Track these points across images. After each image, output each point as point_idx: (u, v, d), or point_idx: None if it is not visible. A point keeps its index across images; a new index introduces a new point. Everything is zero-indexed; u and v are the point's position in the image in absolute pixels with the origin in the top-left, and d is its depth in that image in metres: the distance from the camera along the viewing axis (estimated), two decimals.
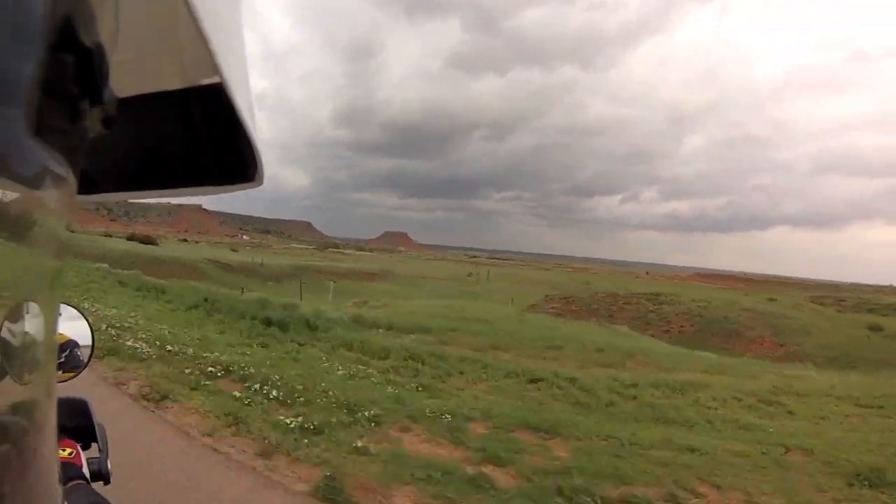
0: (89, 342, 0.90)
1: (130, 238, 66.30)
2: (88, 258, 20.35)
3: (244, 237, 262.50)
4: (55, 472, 0.28)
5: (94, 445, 0.80)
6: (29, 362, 0.23)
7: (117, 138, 0.30)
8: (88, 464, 0.75)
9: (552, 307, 37.04)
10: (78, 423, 0.80)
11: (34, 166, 0.21)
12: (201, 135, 0.38)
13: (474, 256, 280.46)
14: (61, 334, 0.85)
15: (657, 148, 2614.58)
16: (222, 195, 0.39)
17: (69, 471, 0.71)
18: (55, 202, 0.23)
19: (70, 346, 0.88)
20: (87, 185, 0.34)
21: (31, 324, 0.23)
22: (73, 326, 0.90)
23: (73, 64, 0.23)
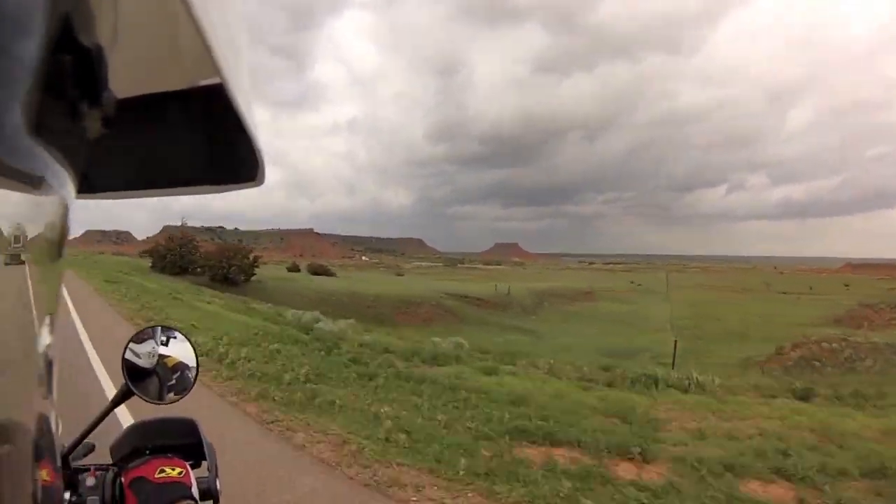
0: (194, 364, 0.93)
1: (314, 272, 67.66)
2: (299, 304, 21.60)
3: (363, 258, 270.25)
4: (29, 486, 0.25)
5: (203, 464, 0.83)
6: (28, 363, 0.23)
7: (118, 139, 0.30)
8: (198, 483, 0.78)
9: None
10: (187, 442, 0.83)
11: (34, 167, 0.21)
12: (202, 135, 0.38)
13: (591, 263, 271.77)
14: (171, 357, 0.91)
15: (758, 129, 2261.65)
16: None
17: (178, 490, 0.74)
18: (55, 202, 0.23)
19: (180, 367, 0.91)
20: (89, 185, 0.34)
21: (31, 324, 0.23)
22: (180, 349, 0.93)
23: (73, 64, 0.23)
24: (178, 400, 0.88)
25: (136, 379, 0.86)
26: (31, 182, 0.21)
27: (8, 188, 0.19)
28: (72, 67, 0.23)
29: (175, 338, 0.91)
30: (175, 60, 0.32)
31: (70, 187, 0.25)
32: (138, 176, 0.40)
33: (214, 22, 0.25)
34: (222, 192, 0.41)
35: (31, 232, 0.22)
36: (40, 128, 0.20)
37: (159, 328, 0.91)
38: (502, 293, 51.69)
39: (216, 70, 0.27)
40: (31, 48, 0.19)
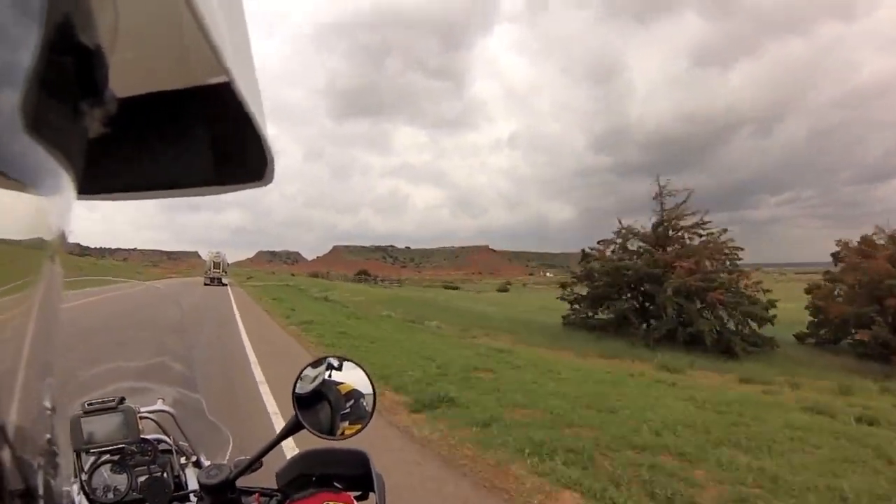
0: (369, 391, 0.90)
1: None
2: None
3: (547, 274, 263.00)
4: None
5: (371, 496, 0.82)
6: (25, 364, 0.22)
7: (122, 138, 0.30)
8: None
9: None
10: (356, 473, 0.83)
11: (34, 167, 0.21)
12: (208, 134, 0.37)
13: (782, 274, 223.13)
14: (344, 384, 0.89)
15: None
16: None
17: None
18: (55, 202, 0.23)
19: (354, 396, 0.88)
20: (91, 185, 0.33)
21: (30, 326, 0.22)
22: (352, 377, 0.90)
23: (73, 64, 0.23)
24: (352, 434, 0.87)
25: (306, 409, 0.85)
26: (32, 182, 0.21)
27: (8, 188, 0.19)
28: (71, 67, 0.23)
29: (346, 365, 0.90)
30: (180, 58, 0.32)
31: (71, 188, 0.24)
32: (142, 176, 0.39)
33: (217, 19, 0.25)
34: (229, 192, 0.40)
35: (32, 233, 0.22)
36: (40, 128, 0.20)
37: (331, 358, 0.91)
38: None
39: (222, 68, 0.27)
40: (31, 48, 0.19)
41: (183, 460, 1.12)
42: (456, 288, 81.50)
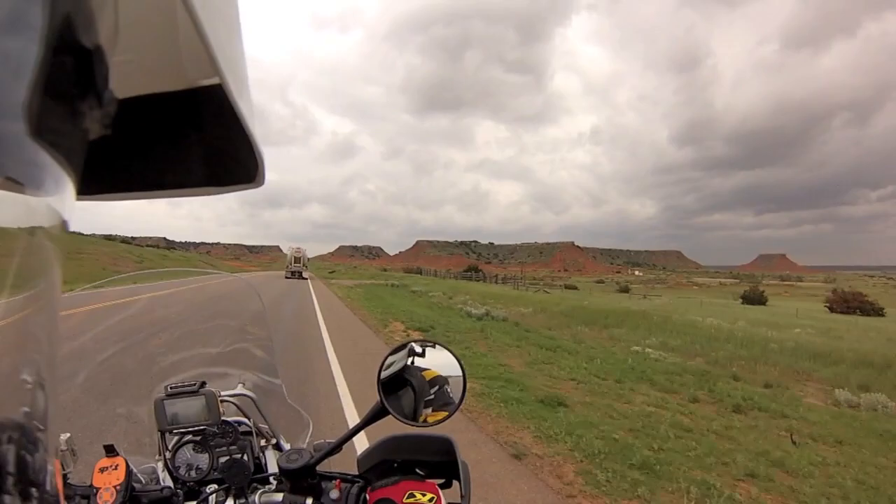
0: (458, 373, 0.87)
1: (747, 300, 46.45)
2: None
3: (635, 272, 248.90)
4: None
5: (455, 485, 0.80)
6: (24, 365, 0.22)
7: (117, 139, 0.30)
8: None
9: None
10: (440, 460, 0.82)
11: (34, 167, 0.21)
12: (202, 136, 0.37)
13: (889, 278, 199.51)
14: (429, 370, 0.86)
15: None
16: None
17: None
18: (55, 203, 0.23)
19: (438, 382, 0.86)
20: (88, 186, 0.34)
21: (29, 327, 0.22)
22: (439, 361, 0.87)
23: (73, 65, 0.23)
24: (436, 422, 0.84)
25: (390, 395, 0.84)
26: (32, 183, 0.21)
27: (8, 189, 0.19)
28: (71, 68, 0.23)
29: (433, 349, 0.88)
30: (174, 60, 0.32)
31: (70, 188, 0.25)
32: (138, 177, 0.39)
33: (213, 22, 0.25)
34: (221, 193, 0.41)
35: (32, 233, 0.22)
36: (40, 128, 0.20)
37: (414, 343, 0.88)
38: None
39: (215, 70, 0.27)
40: (31, 48, 0.19)
41: (263, 443, 1.13)
42: (574, 288, 69.32)
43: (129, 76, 0.32)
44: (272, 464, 1.10)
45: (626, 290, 70.64)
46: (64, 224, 0.24)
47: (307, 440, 1.22)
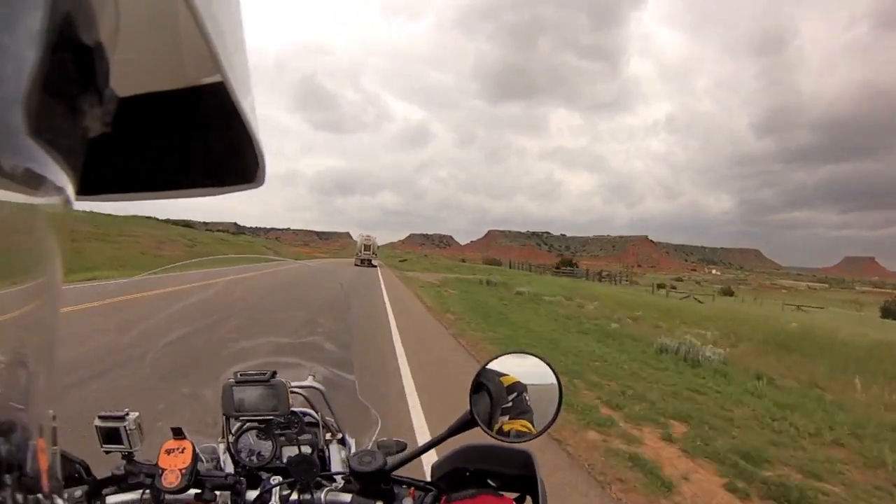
0: (547, 383, 0.84)
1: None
2: None
3: (713, 271, 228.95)
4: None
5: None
6: (23, 365, 0.22)
7: (117, 138, 0.30)
8: None
9: None
10: (515, 473, 0.79)
11: (33, 166, 0.20)
12: (202, 135, 0.37)
13: None
14: (507, 375, 0.83)
15: None
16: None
17: None
18: (54, 203, 0.23)
19: (517, 389, 0.83)
20: (88, 186, 0.33)
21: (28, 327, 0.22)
22: (522, 369, 0.84)
23: (73, 63, 0.22)
24: (512, 431, 0.80)
25: (479, 406, 0.82)
26: (31, 182, 0.21)
27: (8, 189, 0.19)
28: (72, 67, 0.22)
29: (522, 357, 0.86)
30: (176, 59, 0.32)
31: (70, 188, 0.24)
32: (139, 177, 0.39)
33: (215, 20, 0.25)
34: (222, 193, 0.40)
35: (32, 233, 0.22)
36: (40, 128, 0.20)
37: (508, 354, 0.87)
38: None
39: (217, 68, 0.27)
40: (31, 48, 0.19)
41: (328, 436, 1.13)
42: (730, 294, 58.70)
43: (130, 74, 0.32)
44: (336, 458, 1.10)
45: (729, 292, 60.22)
46: (63, 222, 0.24)
47: (373, 438, 1.18)
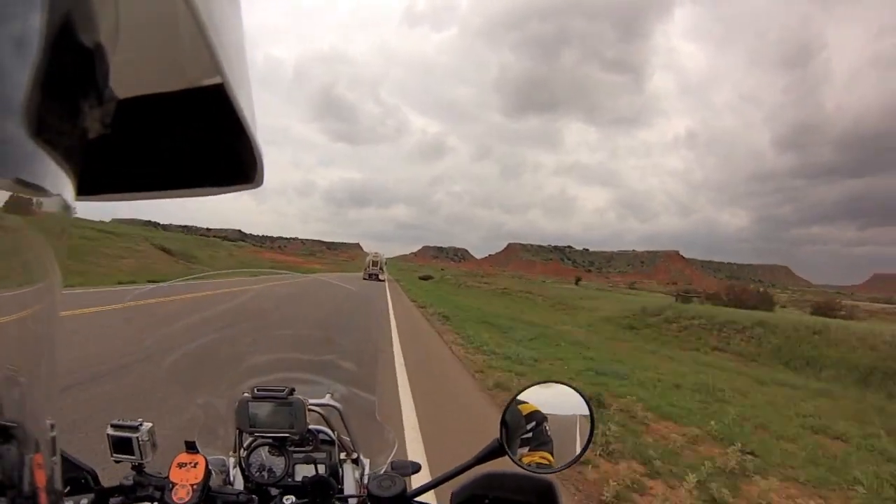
0: (570, 413, 0.82)
1: None
2: None
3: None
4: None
5: None
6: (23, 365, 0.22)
7: (117, 139, 0.30)
8: None
9: None
10: (534, 502, 0.78)
11: (33, 167, 0.20)
12: (202, 136, 0.38)
13: None
14: (526, 403, 0.82)
15: None
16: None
17: None
18: (54, 203, 0.23)
19: (536, 418, 0.81)
20: (87, 186, 0.34)
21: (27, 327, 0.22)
22: (544, 399, 0.83)
23: (73, 64, 0.22)
24: (532, 462, 0.80)
25: (509, 435, 0.82)
26: (31, 183, 0.20)
27: (8, 189, 0.19)
28: (72, 67, 0.22)
29: (551, 386, 0.86)
30: (175, 60, 0.32)
31: (70, 188, 0.24)
32: (138, 177, 0.39)
33: (215, 22, 0.25)
34: (220, 194, 0.40)
35: (32, 233, 0.22)
36: (40, 128, 0.20)
37: (538, 384, 0.86)
38: None
39: (217, 70, 0.27)
40: (30, 49, 0.19)
41: (343, 456, 1.12)
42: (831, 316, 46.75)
43: (129, 75, 0.32)
44: (349, 478, 1.08)
45: (827, 313, 50.29)
46: (63, 223, 0.24)
47: (389, 459, 1.14)
